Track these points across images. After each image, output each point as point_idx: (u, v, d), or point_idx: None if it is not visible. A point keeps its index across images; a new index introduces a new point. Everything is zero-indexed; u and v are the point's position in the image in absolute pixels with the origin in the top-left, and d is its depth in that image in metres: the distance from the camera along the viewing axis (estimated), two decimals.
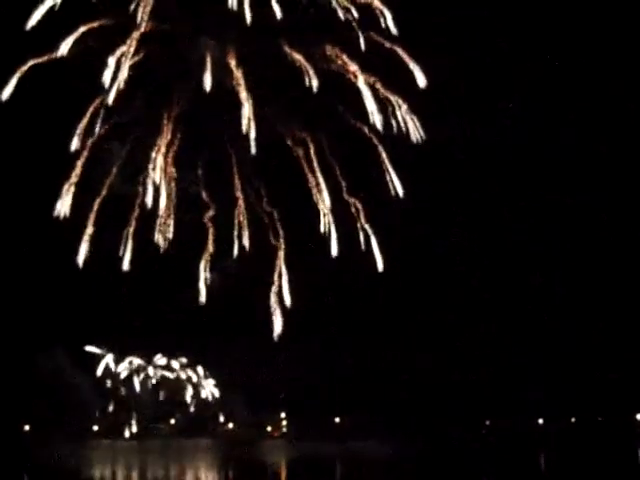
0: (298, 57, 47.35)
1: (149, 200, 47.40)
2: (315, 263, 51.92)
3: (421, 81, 47.53)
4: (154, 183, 47.24)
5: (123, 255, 47.35)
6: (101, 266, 49.82)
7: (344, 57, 48.11)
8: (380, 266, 49.97)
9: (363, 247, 49.65)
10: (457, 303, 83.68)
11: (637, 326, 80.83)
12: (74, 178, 47.61)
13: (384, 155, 49.30)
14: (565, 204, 76.41)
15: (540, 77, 68.52)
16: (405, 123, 48.41)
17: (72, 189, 47.66)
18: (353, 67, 48.53)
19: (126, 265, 47.54)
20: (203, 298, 49.60)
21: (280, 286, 50.01)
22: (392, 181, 48.89)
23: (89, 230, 48.12)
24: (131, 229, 48.08)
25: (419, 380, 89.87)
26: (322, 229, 49.17)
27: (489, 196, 74.29)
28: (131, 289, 55.38)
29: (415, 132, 48.68)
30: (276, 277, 49.94)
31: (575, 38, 66.05)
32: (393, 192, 48.69)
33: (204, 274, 49.11)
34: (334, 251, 49.48)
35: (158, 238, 47.68)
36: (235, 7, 44.88)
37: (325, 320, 77.55)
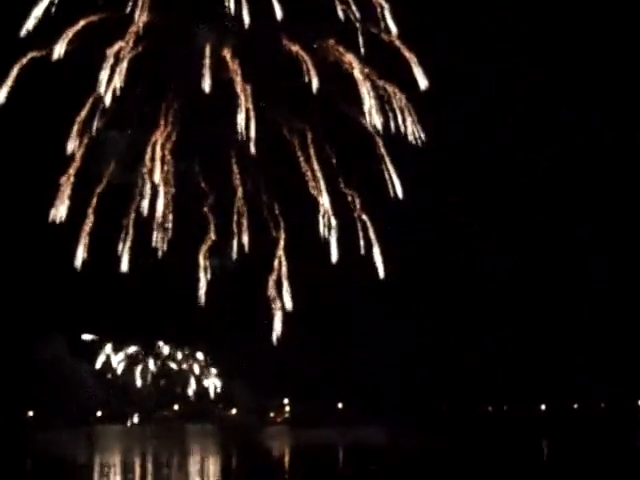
0: (296, 50, 46.77)
1: (147, 190, 46.86)
2: (315, 265, 51.51)
3: (422, 83, 46.83)
4: (151, 173, 46.71)
5: (121, 255, 46.76)
6: (99, 267, 49.32)
7: (341, 50, 47.45)
8: (381, 273, 49.55)
9: (363, 251, 49.14)
10: (458, 293, 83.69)
11: (639, 312, 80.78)
12: (71, 178, 47.09)
13: (384, 155, 48.58)
14: (567, 202, 76.56)
15: (544, 76, 68.06)
16: (404, 123, 47.66)
17: (68, 190, 47.08)
18: (353, 65, 47.86)
19: (125, 266, 47.02)
20: (203, 288, 49.24)
21: (279, 275, 49.66)
22: (392, 182, 48.18)
23: (86, 231, 47.51)
24: (130, 227, 47.49)
25: (420, 366, 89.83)
26: (321, 233, 48.66)
27: (490, 196, 74.24)
28: (130, 287, 54.86)
29: (415, 133, 47.92)
30: (276, 265, 49.59)
31: (579, 36, 65.45)
32: (392, 194, 48.05)
33: (204, 262, 48.74)
34: (334, 257, 48.99)
35: (157, 235, 47.07)
36: (233, 11, 44.29)
37: (325, 319, 77.52)
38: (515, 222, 77.57)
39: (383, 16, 46.80)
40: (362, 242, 49.32)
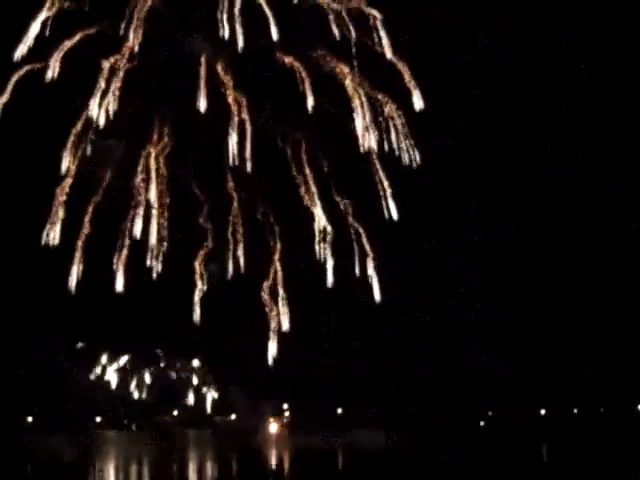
0: (290, 61, 46.69)
1: (142, 201, 46.73)
2: (312, 283, 51.36)
3: (418, 103, 46.63)
4: (146, 185, 46.56)
5: (116, 273, 46.41)
6: (94, 286, 48.94)
7: (335, 62, 47.28)
8: (377, 296, 49.60)
9: (358, 272, 49.04)
10: (457, 297, 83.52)
11: (638, 316, 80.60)
12: (65, 190, 46.77)
13: (379, 175, 48.31)
14: (566, 213, 76.84)
15: (544, 95, 67.93)
16: (399, 143, 47.37)
17: (61, 212, 46.80)
18: (346, 80, 47.72)
19: (120, 285, 46.72)
20: (199, 297, 49.10)
21: (275, 280, 49.61)
22: (387, 203, 47.89)
23: (79, 250, 47.27)
24: (125, 241, 47.20)
25: (419, 370, 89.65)
26: (318, 254, 48.58)
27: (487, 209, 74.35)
28: (125, 306, 54.58)
29: (410, 152, 47.67)
30: (271, 273, 49.55)
31: (583, 50, 65.28)
32: (387, 215, 47.84)
33: (200, 268, 48.58)
34: (330, 281, 48.99)
35: (152, 249, 46.75)
36: (227, 34, 44.16)
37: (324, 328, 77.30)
38: (514, 227, 77.70)
39: (378, 34, 46.67)
40: (357, 252, 49.16)
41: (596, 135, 71.11)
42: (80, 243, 47.10)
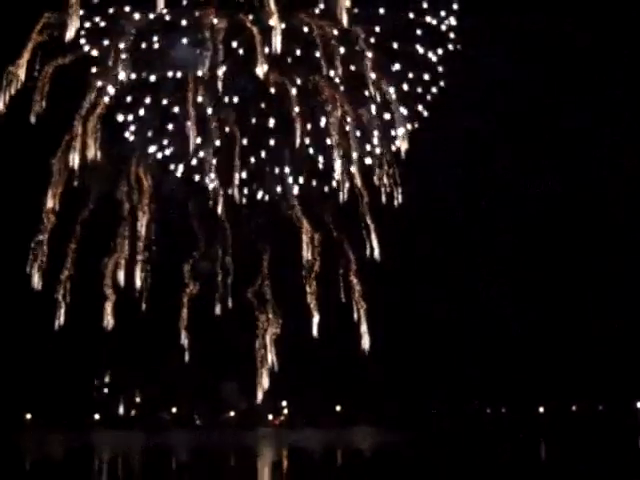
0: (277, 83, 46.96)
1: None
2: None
3: (403, 146, 47.27)
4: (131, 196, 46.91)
5: (104, 312, 46.63)
6: (82, 324, 49.13)
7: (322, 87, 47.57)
8: (366, 344, 50.49)
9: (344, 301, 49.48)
10: (460, 290, 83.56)
11: (637, 313, 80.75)
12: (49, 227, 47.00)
13: (365, 216, 48.85)
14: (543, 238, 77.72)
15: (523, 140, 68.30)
16: (383, 186, 47.97)
17: (44, 262, 47.07)
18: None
19: (109, 323, 46.85)
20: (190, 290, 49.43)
21: (262, 286, 49.94)
22: (371, 242, 48.41)
23: (65, 293, 47.40)
24: (110, 278, 47.43)
25: (418, 368, 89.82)
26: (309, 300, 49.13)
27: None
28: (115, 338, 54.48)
29: (394, 194, 48.16)
30: (259, 280, 49.92)
31: (565, 90, 65.84)
32: (369, 254, 48.42)
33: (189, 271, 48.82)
34: (315, 331, 49.59)
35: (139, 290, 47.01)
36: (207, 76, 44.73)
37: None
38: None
39: (364, 59, 46.84)
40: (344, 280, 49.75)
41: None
42: (64, 288, 47.05)
